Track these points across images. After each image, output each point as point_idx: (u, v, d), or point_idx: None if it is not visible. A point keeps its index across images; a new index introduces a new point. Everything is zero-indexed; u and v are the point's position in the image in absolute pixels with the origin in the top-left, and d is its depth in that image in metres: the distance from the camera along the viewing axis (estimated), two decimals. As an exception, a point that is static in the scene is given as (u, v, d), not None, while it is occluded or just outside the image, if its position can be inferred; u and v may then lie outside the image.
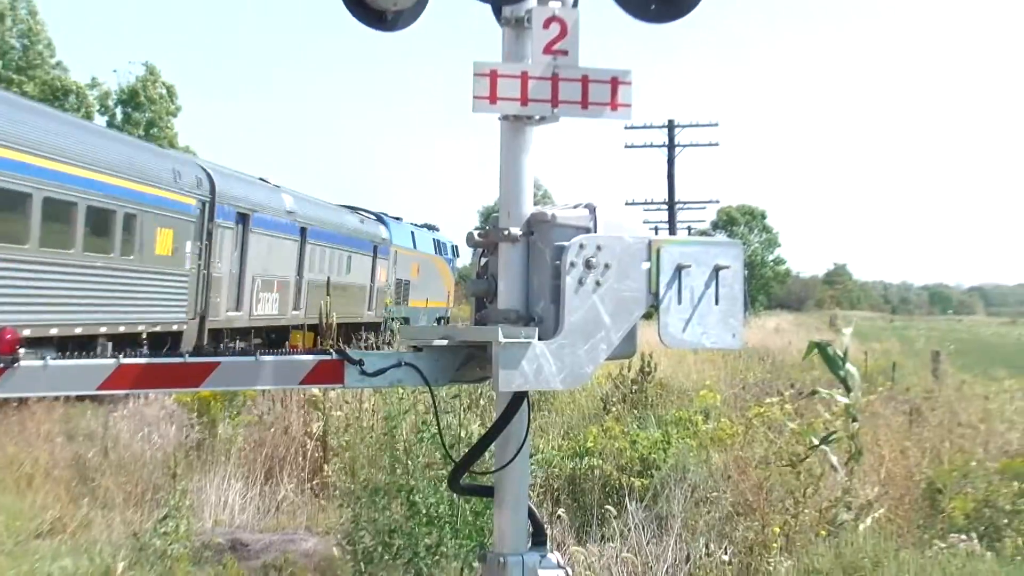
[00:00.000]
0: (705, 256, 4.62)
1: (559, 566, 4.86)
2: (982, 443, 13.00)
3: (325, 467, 12.34)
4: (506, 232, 4.64)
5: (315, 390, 12.57)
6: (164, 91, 70.19)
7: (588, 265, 4.46)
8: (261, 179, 32.64)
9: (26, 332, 17.89)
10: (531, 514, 4.94)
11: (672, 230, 63.97)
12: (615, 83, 4.74)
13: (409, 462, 8.88)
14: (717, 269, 4.62)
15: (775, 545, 9.19)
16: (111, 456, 13.26)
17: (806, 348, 10.29)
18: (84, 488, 12.08)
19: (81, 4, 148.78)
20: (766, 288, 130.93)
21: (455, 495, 8.42)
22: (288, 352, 4.73)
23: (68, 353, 16.71)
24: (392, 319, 35.56)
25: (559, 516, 10.32)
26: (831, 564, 8.10)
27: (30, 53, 65.02)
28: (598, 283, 4.47)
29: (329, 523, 10.57)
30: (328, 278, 34.03)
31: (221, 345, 23.40)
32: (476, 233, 4.84)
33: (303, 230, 33.26)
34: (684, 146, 67.23)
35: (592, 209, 4.67)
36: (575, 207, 4.73)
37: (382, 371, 4.64)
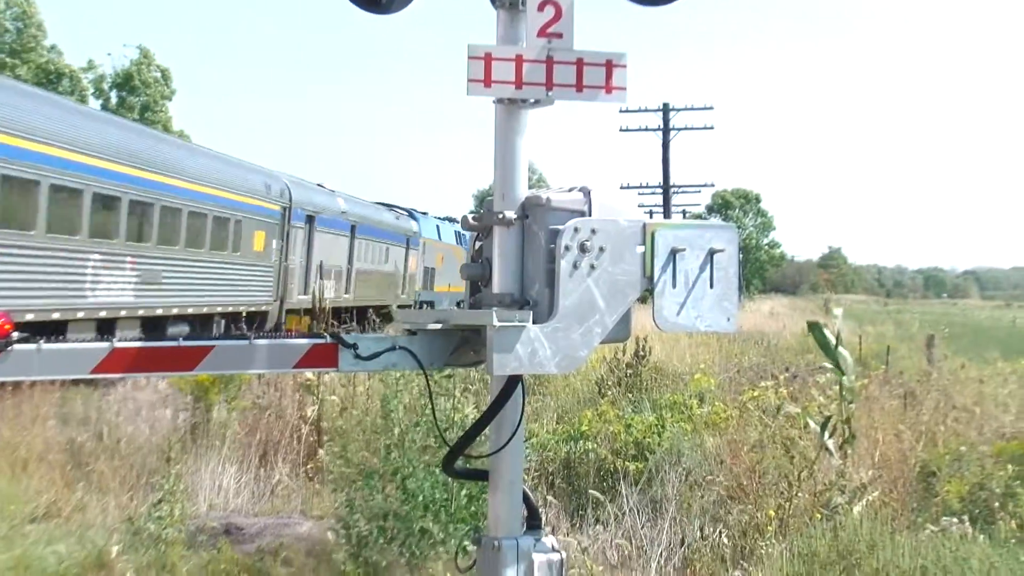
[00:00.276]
0: (700, 240, 4.62)
1: (554, 549, 4.86)
2: (976, 426, 13.02)
3: (320, 451, 12.34)
4: (501, 216, 4.63)
5: (310, 374, 12.58)
6: (159, 74, 70.00)
7: (583, 249, 4.45)
8: (319, 185, 38.81)
9: (174, 311, 25.40)
10: (526, 498, 4.94)
11: (667, 214, 64.10)
12: (610, 66, 4.73)
13: (403, 446, 8.87)
14: (712, 253, 4.61)
15: (769, 528, 9.21)
16: (105, 440, 13.25)
17: (806, 328, 10.28)
18: (79, 472, 12.06)
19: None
20: (761, 272, 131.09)
21: (449, 479, 8.44)
22: (283, 335, 4.71)
23: (199, 328, 26.34)
24: (420, 302, 45.38)
25: (553, 500, 10.33)
26: (825, 547, 8.10)
27: (24, 36, 64.83)
28: (592, 267, 4.46)
29: (324, 507, 10.57)
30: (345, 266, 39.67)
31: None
32: (471, 216, 4.84)
33: (353, 227, 39.06)
34: (679, 129, 67.24)
35: (587, 193, 4.66)
36: (570, 190, 4.73)
37: (376, 355, 4.63)
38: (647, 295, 4.64)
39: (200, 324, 26.94)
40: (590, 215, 4.59)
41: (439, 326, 4.76)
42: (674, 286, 4.56)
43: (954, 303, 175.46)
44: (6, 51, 63.66)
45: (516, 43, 4.71)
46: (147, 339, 4.48)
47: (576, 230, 4.47)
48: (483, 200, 4.95)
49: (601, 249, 4.47)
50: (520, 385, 4.75)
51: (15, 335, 4.12)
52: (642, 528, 9.73)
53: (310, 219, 34.64)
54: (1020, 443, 11.45)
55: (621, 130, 67.41)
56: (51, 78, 62.84)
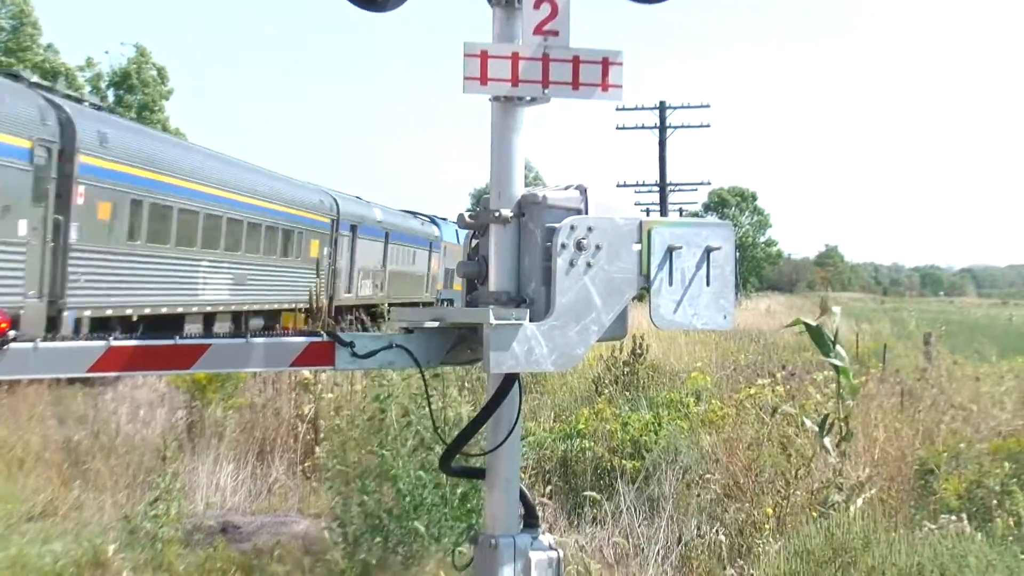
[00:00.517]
0: (696, 237, 4.61)
1: (551, 548, 4.86)
2: (974, 424, 13.03)
3: (316, 449, 12.33)
4: (497, 214, 4.63)
5: (307, 372, 12.57)
6: (155, 73, 69.89)
7: (579, 247, 4.45)
8: (357, 197, 45.12)
9: (255, 307, 30.73)
10: (523, 496, 4.94)
11: (664, 212, 64.00)
12: (606, 64, 4.72)
13: (397, 445, 8.87)
14: (708, 250, 4.61)
15: (767, 526, 9.21)
16: (102, 439, 13.23)
17: (791, 321, 10.25)
18: (75, 471, 12.05)
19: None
20: (758, 270, 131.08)
21: (444, 478, 8.44)
22: (280, 334, 4.71)
23: (270, 320, 31.08)
24: (441, 300, 51.66)
25: (550, 498, 10.34)
26: (821, 545, 8.11)
27: (20, 35, 64.73)
28: (589, 264, 4.46)
29: (320, 505, 10.57)
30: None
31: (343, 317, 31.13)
32: (467, 215, 4.83)
33: (387, 234, 44.99)
34: (675, 127, 67.22)
35: (583, 191, 4.66)
36: (566, 188, 4.72)
37: (373, 353, 4.63)
38: (644, 293, 4.64)
39: (271, 317, 32.00)
40: (586, 213, 4.59)
41: (436, 324, 4.75)
42: (671, 284, 4.56)
43: (950, 301, 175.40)
44: (2, 50, 63.55)
45: (512, 41, 4.70)
46: (144, 337, 4.47)
47: (572, 228, 4.46)
48: (480, 198, 4.95)
49: (597, 247, 4.47)
50: (517, 383, 4.74)
51: (12, 333, 4.12)
52: (639, 526, 9.73)
53: (353, 228, 40.64)
54: (1017, 440, 11.45)
55: (617, 128, 67.51)
56: (47, 77, 62.73)
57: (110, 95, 68.55)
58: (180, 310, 26.83)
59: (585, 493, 10.72)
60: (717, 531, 9.44)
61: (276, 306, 32.16)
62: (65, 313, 21.51)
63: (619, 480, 10.93)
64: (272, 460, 12.56)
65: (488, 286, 4.70)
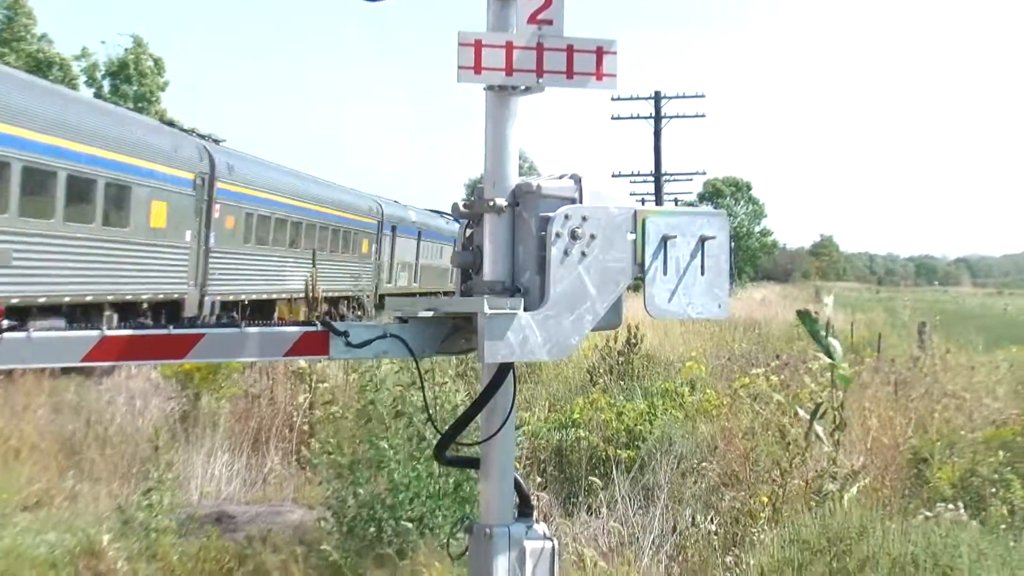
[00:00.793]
0: (690, 226, 4.62)
1: (545, 537, 4.86)
2: (967, 413, 13.03)
3: (312, 439, 12.33)
4: (491, 203, 4.63)
5: (302, 362, 12.56)
6: (152, 63, 69.54)
7: (573, 236, 4.45)
8: (395, 201, 52.20)
9: (325, 294, 28.57)
10: (517, 485, 4.95)
11: (659, 202, 64.05)
12: (600, 53, 4.72)
13: (390, 435, 8.87)
14: (703, 239, 4.61)
15: (762, 515, 9.21)
16: (97, 429, 13.22)
17: (796, 317, 10.23)
18: (70, 461, 12.05)
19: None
20: (752, 259, 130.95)
21: (439, 467, 8.44)
22: (274, 323, 4.72)
23: (332, 308, 31.13)
24: None
25: (545, 487, 10.34)
26: (815, 534, 8.11)
27: (15, 25, 64.45)
28: (583, 254, 4.46)
29: (316, 495, 10.56)
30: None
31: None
32: (461, 204, 4.83)
33: (419, 232, 52.79)
34: (670, 117, 67.16)
35: (577, 180, 4.66)
36: (560, 178, 4.72)
37: (367, 342, 4.62)
38: (638, 282, 4.64)
39: (334, 303, 33.50)
40: (581, 202, 4.58)
41: (430, 314, 4.75)
42: (665, 273, 4.56)
43: (945, 290, 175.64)
44: (-3, 40, 63.30)
45: (506, 30, 4.69)
46: (137, 327, 4.46)
47: (567, 217, 4.46)
48: (474, 188, 4.95)
49: (592, 236, 4.47)
50: (511, 373, 4.75)
51: (4, 323, 4.11)
52: (634, 515, 9.73)
53: (393, 228, 48.05)
54: (1011, 429, 11.47)
55: (613, 118, 67.45)
56: (41, 67, 62.38)
57: (106, 85, 68.17)
58: (274, 296, 34.11)
59: (590, 479, 10.73)
60: (712, 520, 9.44)
61: (337, 294, 35.46)
62: (207, 298, 28.68)
63: (614, 469, 10.94)
64: (267, 450, 12.55)
65: (482, 276, 4.70)
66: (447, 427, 5.00)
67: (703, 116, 68.13)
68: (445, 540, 8.06)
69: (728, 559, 8.74)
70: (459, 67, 4.56)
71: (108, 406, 14.69)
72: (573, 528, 9.23)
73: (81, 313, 22.60)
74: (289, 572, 8.37)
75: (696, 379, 16.33)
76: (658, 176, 68.36)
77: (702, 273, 4.61)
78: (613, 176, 52.21)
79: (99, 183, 23.24)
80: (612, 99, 64.66)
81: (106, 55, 68.76)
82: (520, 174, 4.76)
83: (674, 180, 72.48)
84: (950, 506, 8.82)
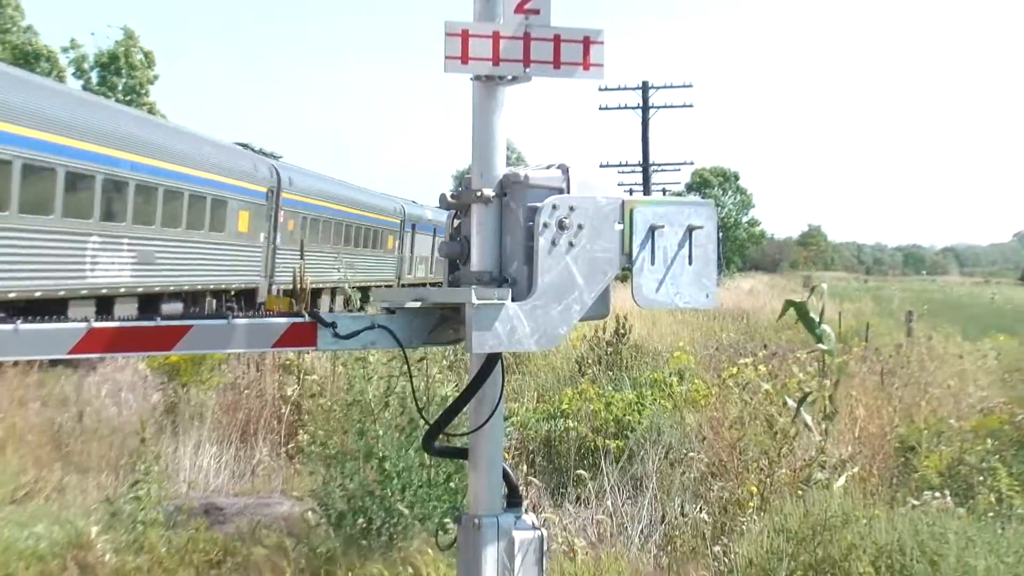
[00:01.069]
0: (678, 216, 4.61)
1: (534, 527, 4.86)
2: (955, 401, 13.07)
3: (300, 431, 12.32)
4: (479, 193, 4.62)
5: (290, 354, 12.55)
6: (142, 56, 69.20)
7: (561, 226, 4.44)
8: (413, 202, 57.77)
9: (359, 284, 40.92)
10: (506, 476, 4.94)
11: (647, 192, 63.91)
12: (587, 42, 4.71)
13: (378, 427, 8.86)
14: (690, 229, 4.61)
15: (750, 505, 9.23)
16: (85, 421, 13.21)
17: (782, 307, 10.22)
18: (58, 453, 12.03)
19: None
20: (741, 249, 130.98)
21: (427, 458, 8.44)
22: (262, 314, 4.73)
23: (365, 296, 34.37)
24: None
25: (534, 478, 10.35)
26: (803, 522, 8.13)
27: (2, 17, 64.12)
28: (571, 244, 4.45)
29: (304, 487, 10.55)
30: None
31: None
32: (449, 195, 4.82)
33: (435, 229, 55.45)
34: (658, 108, 67.12)
35: (565, 170, 4.65)
36: (548, 168, 4.71)
37: (355, 333, 4.61)
38: (626, 272, 4.63)
39: (365, 292, 37.37)
40: (568, 192, 4.58)
41: (418, 304, 4.74)
42: (653, 263, 4.55)
43: (933, 280, 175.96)
44: (-18, 31, 62.95)
45: (493, 20, 4.68)
46: (125, 318, 4.45)
47: (554, 207, 4.46)
48: (462, 179, 4.94)
49: (579, 226, 4.46)
50: (499, 363, 4.74)
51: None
52: (623, 505, 9.75)
53: (413, 226, 54.44)
54: (998, 418, 11.50)
55: (600, 108, 67.37)
56: (28, 59, 62.06)
57: (94, 76, 67.83)
58: (322, 285, 38.04)
59: (576, 472, 10.73)
60: (701, 509, 9.46)
61: (369, 283, 43.22)
62: (274, 286, 34.78)
63: (603, 460, 10.95)
64: (255, 442, 12.54)
65: (470, 266, 4.70)
66: (435, 417, 5.00)
67: (691, 106, 68.07)
68: (434, 531, 8.07)
69: (716, 548, 8.76)
70: (446, 57, 4.55)
71: (96, 398, 14.67)
72: (562, 518, 9.23)
73: (192, 299, 29.70)
74: (278, 564, 8.36)
75: (684, 369, 16.35)
76: (646, 166, 68.33)
77: (690, 263, 4.60)
78: (601, 166, 52.10)
79: (208, 199, 30.17)
80: (600, 89, 64.60)
81: (95, 47, 68.46)
82: (508, 164, 4.75)
83: (662, 170, 72.35)
84: (937, 494, 8.85)
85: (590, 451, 11.70)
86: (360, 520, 8.49)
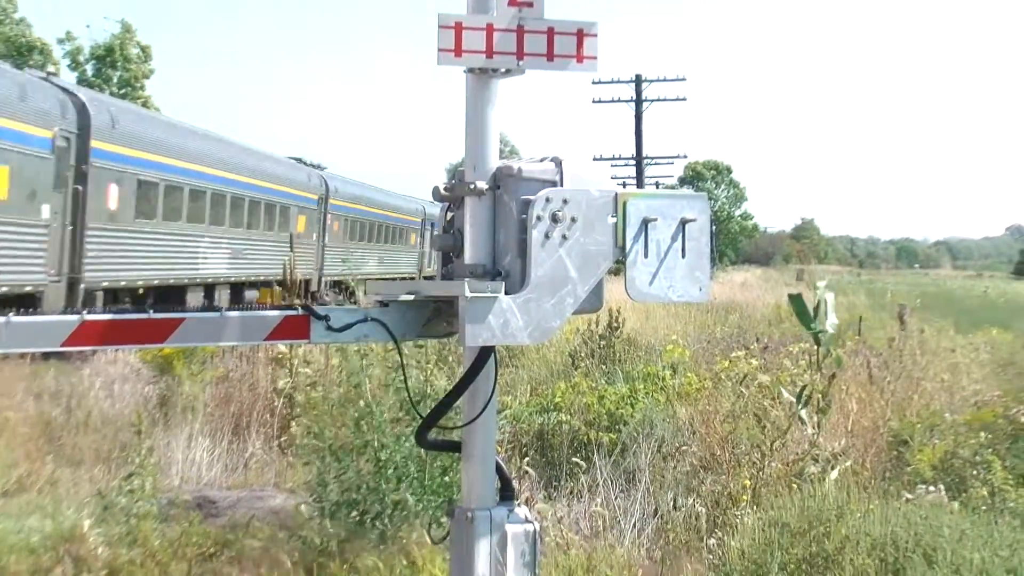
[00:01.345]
0: (671, 209, 4.61)
1: (527, 520, 4.86)
2: (948, 395, 13.07)
3: (293, 424, 12.30)
4: (472, 186, 4.62)
5: (282, 347, 12.52)
6: (139, 50, 68.95)
7: (554, 219, 4.44)
8: (432, 201, 59.67)
9: (389, 276, 48.03)
10: (499, 469, 4.95)
11: (640, 185, 63.95)
12: (581, 35, 4.71)
13: (374, 419, 8.84)
14: (683, 222, 4.61)
15: (743, 498, 9.23)
16: (77, 414, 13.18)
17: (787, 300, 10.21)
18: (50, 446, 12.01)
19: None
20: (734, 243, 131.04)
21: (422, 451, 8.43)
22: (255, 308, 4.70)
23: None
24: None
25: (527, 471, 10.34)
26: (796, 516, 8.13)
27: (-5, 9, 63.88)
28: (564, 237, 4.45)
29: (297, 480, 10.54)
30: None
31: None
32: (442, 187, 4.81)
33: None
34: (652, 101, 67.23)
35: (558, 163, 4.65)
36: (541, 161, 4.71)
37: (348, 326, 4.61)
38: (619, 265, 4.63)
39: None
40: (562, 185, 4.58)
41: (411, 297, 4.74)
42: (646, 256, 4.55)
43: (925, 273, 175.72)
44: (-27, 24, 62.70)
45: (487, 12, 4.68)
46: (117, 311, 4.44)
47: (548, 200, 4.45)
48: (455, 172, 4.93)
49: (573, 219, 4.46)
50: (492, 356, 4.74)
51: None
52: (616, 499, 9.75)
53: (432, 224, 54.92)
54: (992, 411, 11.51)
55: (594, 102, 67.52)
56: (21, 51, 61.83)
57: (89, 69, 67.57)
58: (360, 277, 41.59)
59: (574, 460, 10.73)
60: (694, 503, 9.46)
61: (396, 276, 48.61)
62: (323, 279, 40.91)
63: (596, 453, 10.94)
64: (248, 435, 12.51)
65: (463, 259, 4.70)
66: (429, 411, 5.00)
67: (684, 99, 68.55)
68: (428, 524, 8.06)
69: (710, 541, 8.76)
70: (439, 49, 4.54)
71: (88, 391, 14.65)
72: (556, 511, 9.23)
73: (264, 287, 34.96)
74: (272, 556, 8.36)
75: (677, 363, 16.34)
76: (639, 159, 68.40)
77: (683, 256, 4.60)
78: (594, 159, 52.28)
79: (277, 206, 37.34)
80: (593, 82, 64.80)
81: (91, 39, 68.20)
82: (501, 157, 4.75)
83: (655, 163, 72.45)
84: (931, 488, 8.85)
85: (583, 444, 11.69)
86: (354, 512, 8.48)
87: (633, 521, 9.22)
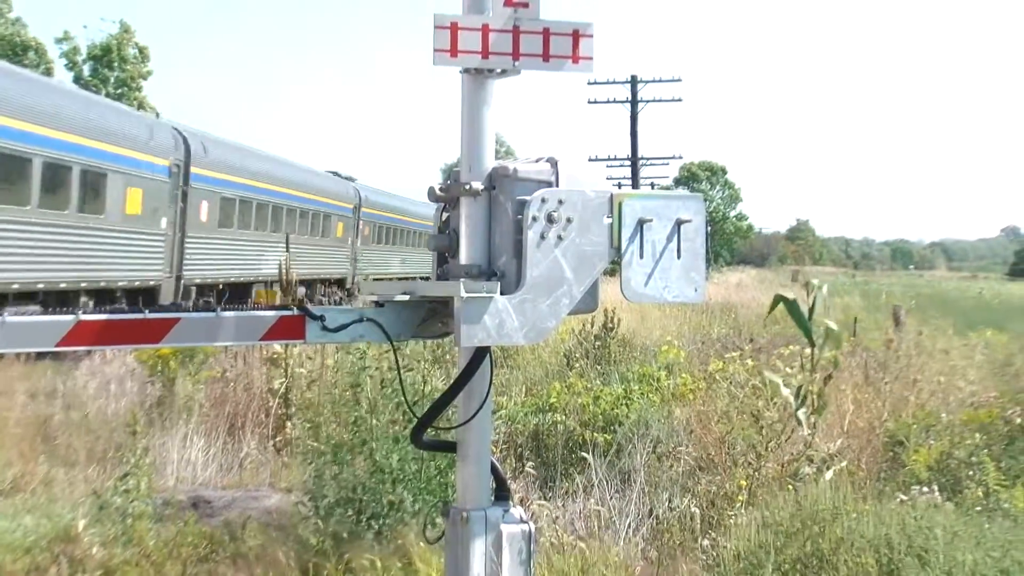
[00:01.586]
0: (666, 210, 4.61)
1: (522, 520, 4.86)
2: (944, 396, 13.07)
3: (288, 424, 12.30)
4: (467, 186, 4.62)
5: (278, 347, 12.52)
6: (137, 51, 68.88)
7: (550, 219, 4.44)
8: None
9: (409, 276, 53.39)
10: (494, 469, 4.95)
11: (635, 186, 63.93)
12: (576, 36, 4.71)
13: (371, 419, 8.85)
14: (679, 223, 4.61)
15: (739, 498, 9.24)
16: (72, 414, 13.18)
17: (781, 302, 10.17)
18: (45, 446, 12.00)
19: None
20: (729, 244, 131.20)
21: (417, 451, 8.43)
22: (251, 307, 4.69)
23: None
24: None
25: (523, 471, 10.35)
26: (791, 516, 8.14)
27: (-10, 9, 63.85)
28: (560, 237, 4.45)
29: (292, 480, 10.54)
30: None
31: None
32: (437, 188, 4.82)
33: None
34: (647, 101, 67.23)
35: (554, 163, 4.65)
36: (537, 161, 4.71)
37: (344, 327, 4.61)
38: (615, 266, 4.63)
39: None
40: (557, 186, 4.58)
41: (406, 297, 4.74)
42: (641, 257, 4.55)
43: (920, 275, 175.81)
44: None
45: (482, 12, 4.68)
46: (113, 311, 4.44)
47: (543, 201, 4.45)
48: (450, 172, 4.93)
49: (568, 220, 4.46)
50: (488, 356, 4.74)
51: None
52: (611, 499, 9.75)
53: None
54: (987, 412, 11.52)
55: (589, 102, 67.53)
56: (16, 51, 61.77)
57: (86, 69, 67.48)
58: (382, 277, 48.67)
59: (580, 455, 10.73)
60: (689, 503, 9.46)
61: (415, 275, 51.81)
62: (357, 277, 46.15)
63: (591, 453, 10.94)
64: (243, 435, 12.51)
65: (459, 259, 4.70)
66: (424, 411, 5.00)
67: (679, 100, 68.69)
68: (423, 524, 8.06)
69: (705, 542, 8.77)
70: (435, 50, 4.54)
71: (83, 391, 14.64)
72: (551, 511, 9.23)
73: (309, 285, 39.10)
74: (267, 556, 8.36)
75: (672, 363, 16.35)
76: (634, 160, 68.38)
77: (678, 257, 4.60)
78: (590, 160, 52.32)
79: (322, 215, 43.06)
80: (589, 83, 64.93)
81: (88, 39, 68.16)
82: (496, 158, 4.75)
83: (650, 164, 72.43)
84: (925, 489, 8.85)
85: (578, 445, 11.69)
86: (350, 512, 8.48)
87: (628, 521, 9.22)
